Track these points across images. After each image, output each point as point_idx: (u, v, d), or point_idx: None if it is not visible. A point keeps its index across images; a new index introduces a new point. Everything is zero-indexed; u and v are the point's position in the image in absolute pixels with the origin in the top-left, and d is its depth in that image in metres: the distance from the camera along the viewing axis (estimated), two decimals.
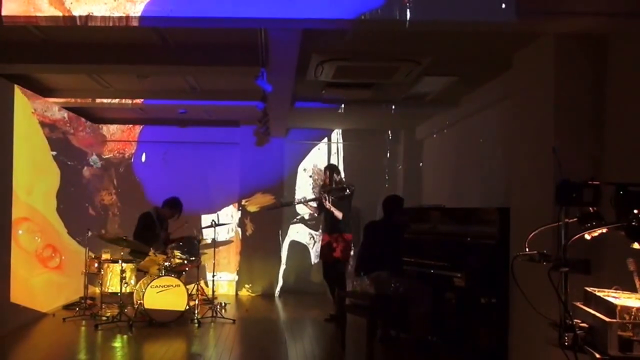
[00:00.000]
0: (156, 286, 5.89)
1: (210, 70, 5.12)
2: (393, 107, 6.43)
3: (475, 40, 4.09)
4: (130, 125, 8.51)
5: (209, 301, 6.72)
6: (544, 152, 3.66)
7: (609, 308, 2.04)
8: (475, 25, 3.40)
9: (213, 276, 6.58)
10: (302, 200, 7.35)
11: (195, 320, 6.02)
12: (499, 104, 5.31)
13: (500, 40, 3.96)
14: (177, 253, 6.40)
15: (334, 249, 6.46)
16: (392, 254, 5.23)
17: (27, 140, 6.06)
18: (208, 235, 7.70)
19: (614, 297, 2.13)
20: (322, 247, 6.79)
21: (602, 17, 3.27)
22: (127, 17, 3.30)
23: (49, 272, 6.62)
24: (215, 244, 6.61)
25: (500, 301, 4.22)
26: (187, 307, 6.01)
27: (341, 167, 7.88)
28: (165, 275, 5.99)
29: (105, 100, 6.65)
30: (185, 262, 6.46)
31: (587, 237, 2.13)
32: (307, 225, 8.57)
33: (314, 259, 8.48)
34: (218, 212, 7.80)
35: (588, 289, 2.27)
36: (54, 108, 6.85)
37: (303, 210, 8.31)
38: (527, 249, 2.27)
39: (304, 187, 8.56)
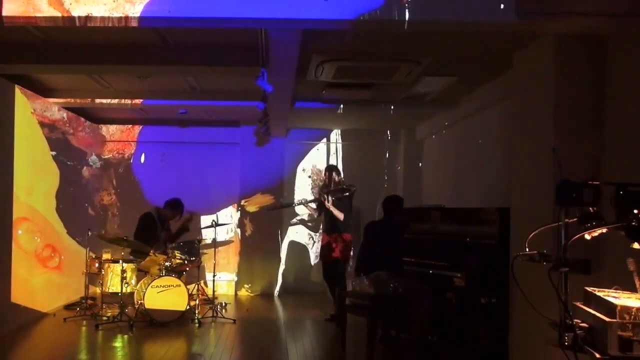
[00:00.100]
0: (157, 286, 5.89)
1: (211, 71, 5.12)
2: (392, 107, 6.44)
3: (475, 40, 4.09)
4: (130, 126, 8.51)
5: (210, 301, 6.72)
6: (544, 152, 3.66)
7: (609, 308, 2.04)
8: (475, 25, 3.40)
9: (214, 276, 6.59)
10: (303, 201, 7.34)
11: (196, 320, 6.02)
12: (499, 104, 5.32)
13: (500, 40, 3.96)
14: (177, 254, 6.40)
15: (333, 249, 6.46)
16: (392, 254, 5.23)
17: (26, 140, 6.06)
18: (207, 235, 7.70)
19: (614, 297, 2.13)
20: (321, 247, 6.79)
21: (602, 17, 3.28)
22: (127, 18, 3.30)
23: (49, 272, 6.62)
24: (215, 244, 6.62)
25: (500, 301, 4.22)
26: (188, 307, 6.02)
27: (340, 167, 7.88)
28: (165, 275, 6.00)
29: (105, 101, 6.66)
30: (186, 262, 6.46)
31: (587, 237, 2.13)
32: (307, 227, 8.57)
33: (313, 259, 8.48)
34: (217, 213, 7.80)
35: (588, 289, 2.27)
36: (53, 108, 6.84)
37: (302, 211, 8.31)
38: (527, 249, 2.27)
39: (303, 187, 8.56)
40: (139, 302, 5.97)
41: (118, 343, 5.35)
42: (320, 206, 6.82)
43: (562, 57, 3.62)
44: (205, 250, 7.23)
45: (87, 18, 3.32)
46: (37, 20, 3.43)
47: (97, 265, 6.43)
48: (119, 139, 8.55)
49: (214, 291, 6.72)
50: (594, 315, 2.11)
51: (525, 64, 4.06)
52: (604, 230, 2.10)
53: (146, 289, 5.86)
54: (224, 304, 6.84)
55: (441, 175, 7.17)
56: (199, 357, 4.98)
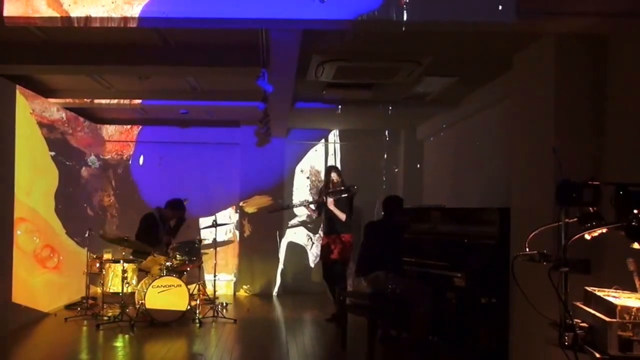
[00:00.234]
0: (158, 286, 5.89)
1: (211, 71, 5.12)
2: (390, 107, 6.44)
3: (476, 40, 4.09)
4: (129, 126, 8.50)
5: (210, 301, 6.72)
6: (544, 152, 3.66)
7: (609, 308, 2.04)
8: (476, 25, 3.40)
9: (214, 276, 6.59)
10: (304, 202, 7.24)
11: (197, 320, 6.02)
12: (499, 104, 5.32)
13: (501, 40, 3.96)
14: (178, 255, 6.40)
15: (332, 250, 6.46)
16: (392, 254, 5.23)
17: (26, 140, 6.05)
18: (207, 235, 7.70)
19: (614, 297, 2.13)
20: (321, 248, 6.79)
21: (603, 17, 3.28)
22: (125, 19, 3.30)
23: (48, 272, 6.62)
24: (215, 244, 6.61)
25: (500, 301, 4.22)
26: (189, 307, 6.02)
27: (339, 168, 7.86)
28: (166, 275, 6.00)
29: (106, 101, 6.66)
30: (187, 262, 6.47)
31: (587, 237, 2.14)
32: (306, 228, 8.56)
33: (312, 260, 8.48)
34: (216, 214, 7.78)
35: (588, 288, 2.28)
36: (52, 108, 6.84)
37: (301, 212, 8.30)
38: (527, 249, 2.28)
39: (301, 188, 8.54)
40: (140, 302, 5.98)
41: (119, 343, 5.36)
42: (320, 207, 6.81)
43: (563, 57, 3.62)
44: (205, 251, 7.23)
45: (86, 19, 3.32)
46: (36, 21, 3.43)
47: (98, 265, 6.44)
48: (118, 139, 8.55)
49: (215, 291, 6.73)
50: (594, 315, 2.11)
51: (525, 64, 4.06)
52: (604, 230, 2.10)
53: (147, 289, 5.86)
54: (224, 304, 6.84)
55: (441, 175, 7.17)
56: (200, 357, 4.98)
